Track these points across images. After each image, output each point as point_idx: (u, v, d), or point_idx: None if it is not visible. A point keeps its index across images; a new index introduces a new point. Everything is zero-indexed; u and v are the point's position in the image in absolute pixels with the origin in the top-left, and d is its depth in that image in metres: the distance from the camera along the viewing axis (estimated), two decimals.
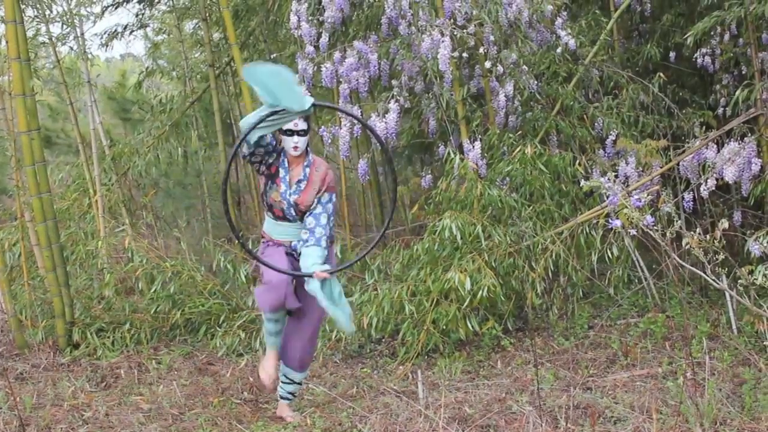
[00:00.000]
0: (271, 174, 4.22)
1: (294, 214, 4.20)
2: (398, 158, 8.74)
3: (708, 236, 3.67)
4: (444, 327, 5.25)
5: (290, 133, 4.13)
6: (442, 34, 5.72)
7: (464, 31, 5.86)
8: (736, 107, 5.76)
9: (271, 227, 4.33)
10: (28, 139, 5.47)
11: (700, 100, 6.88)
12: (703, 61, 6.41)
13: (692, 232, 3.69)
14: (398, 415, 4.41)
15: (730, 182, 5.58)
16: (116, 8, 8.33)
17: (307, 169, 4.22)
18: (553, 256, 5.59)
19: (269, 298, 4.15)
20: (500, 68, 6.05)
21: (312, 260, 4.08)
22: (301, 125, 4.12)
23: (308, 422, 4.33)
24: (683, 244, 3.71)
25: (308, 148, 4.26)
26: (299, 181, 4.20)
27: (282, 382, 4.48)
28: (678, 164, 5.86)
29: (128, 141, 8.59)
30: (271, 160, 4.19)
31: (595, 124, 6.38)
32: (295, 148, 4.15)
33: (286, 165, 4.22)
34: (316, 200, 4.18)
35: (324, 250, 4.14)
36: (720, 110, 6.39)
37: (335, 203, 4.28)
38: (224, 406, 4.68)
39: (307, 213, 4.18)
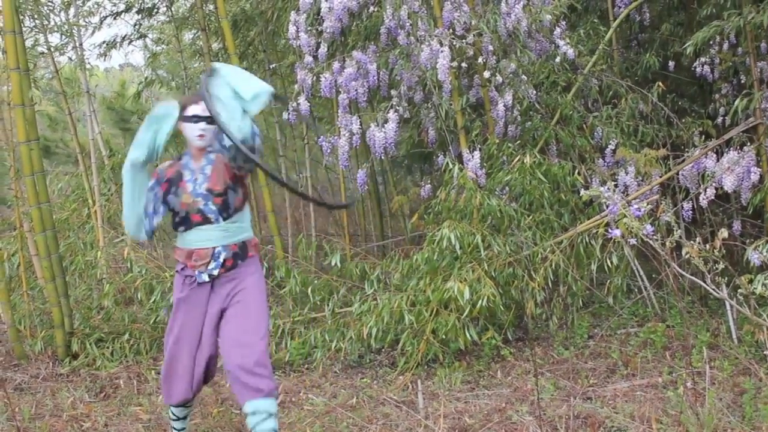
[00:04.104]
0: (169, 187, 3.79)
1: (213, 207, 3.71)
2: (397, 168, 8.75)
3: (708, 245, 3.66)
4: (444, 337, 5.24)
5: (196, 119, 3.67)
6: (441, 44, 5.72)
7: (463, 41, 5.87)
8: (736, 116, 5.76)
9: (191, 237, 3.77)
10: (28, 149, 5.47)
11: (699, 109, 6.89)
12: (703, 70, 6.42)
13: (692, 242, 3.68)
14: (398, 426, 4.40)
15: (730, 191, 5.58)
16: (115, 18, 8.34)
17: (211, 155, 3.77)
18: (553, 266, 5.58)
19: (176, 389, 3.85)
20: (499, 78, 6.06)
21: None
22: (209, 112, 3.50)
23: None
24: (683, 253, 3.71)
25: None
26: (203, 167, 3.76)
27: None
28: (677, 173, 5.86)
29: (127, 151, 8.58)
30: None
31: (595, 133, 6.39)
32: (201, 136, 3.70)
33: (191, 165, 3.78)
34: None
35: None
36: (719, 119, 6.39)
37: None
38: (223, 417, 4.66)
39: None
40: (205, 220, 3.73)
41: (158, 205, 3.76)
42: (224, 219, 3.75)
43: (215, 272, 3.76)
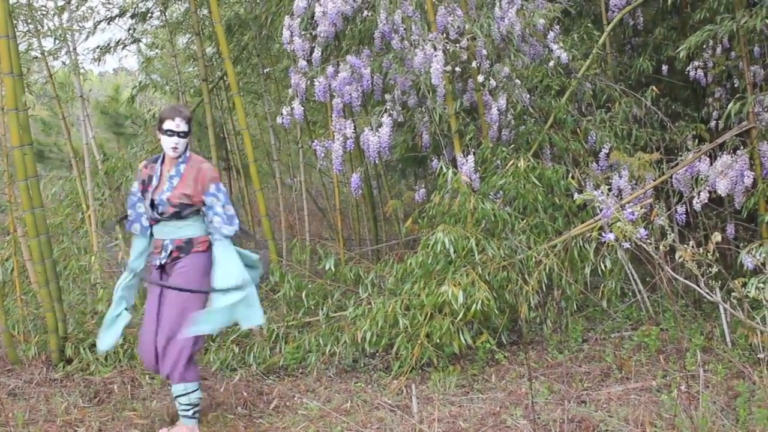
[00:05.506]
0: (144, 188, 4.40)
1: (168, 210, 4.29)
2: (392, 172, 8.75)
3: (701, 249, 3.67)
4: (438, 341, 5.23)
5: (171, 133, 4.23)
6: (435, 48, 5.73)
7: (457, 45, 5.87)
8: (729, 120, 5.78)
9: (156, 230, 4.41)
10: (21, 154, 5.45)
11: (692, 113, 6.90)
12: (696, 74, 6.43)
13: (685, 245, 3.69)
14: (392, 430, 4.40)
15: (723, 195, 5.59)
16: (109, 23, 8.34)
17: (182, 165, 4.32)
18: (547, 270, 5.58)
19: (143, 357, 4.46)
20: (493, 82, 6.07)
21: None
22: (183, 127, 4.24)
23: None
24: (676, 257, 3.71)
25: (187, 149, 4.37)
26: (171, 177, 4.30)
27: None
28: (671, 177, 5.87)
29: (121, 155, 8.58)
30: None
31: (588, 137, 6.40)
32: (174, 149, 4.26)
33: (159, 171, 4.35)
34: (203, 196, 4.27)
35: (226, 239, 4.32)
36: (713, 123, 6.41)
37: (225, 191, 4.36)
38: (218, 422, 4.66)
39: (205, 210, 4.33)
40: (161, 216, 4.34)
41: (140, 205, 4.40)
42: (177, 219, 4.32)
43: (164, 261, 4.39)
